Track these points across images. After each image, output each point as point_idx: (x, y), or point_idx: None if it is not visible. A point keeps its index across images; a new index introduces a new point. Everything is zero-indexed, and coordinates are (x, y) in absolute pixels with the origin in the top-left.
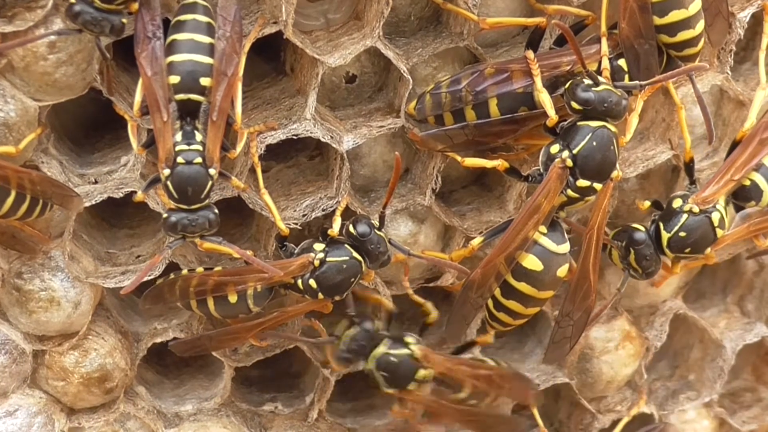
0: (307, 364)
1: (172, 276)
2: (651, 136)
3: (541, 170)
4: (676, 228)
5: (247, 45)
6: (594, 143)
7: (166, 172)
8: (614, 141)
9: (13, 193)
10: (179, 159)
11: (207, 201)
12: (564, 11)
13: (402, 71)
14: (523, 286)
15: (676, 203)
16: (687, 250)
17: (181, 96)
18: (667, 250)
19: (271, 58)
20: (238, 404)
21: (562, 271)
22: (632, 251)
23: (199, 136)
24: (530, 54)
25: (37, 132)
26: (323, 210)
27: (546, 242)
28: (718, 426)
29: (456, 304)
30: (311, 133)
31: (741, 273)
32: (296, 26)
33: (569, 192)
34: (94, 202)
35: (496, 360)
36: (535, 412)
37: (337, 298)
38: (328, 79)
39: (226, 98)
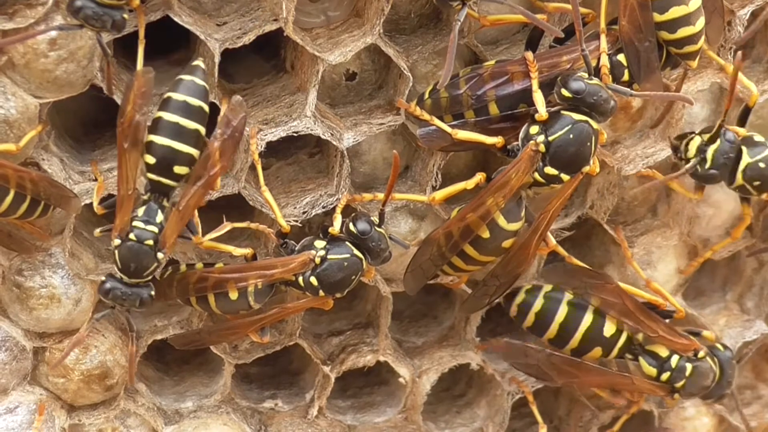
0: (306, 361)
1: (170, 271)
2: (651, 133)
3: (519, 146)
4: (760, 157)
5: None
6: (571, 136)
7: (117, 242)
8: (593, 138)
9: (12, 193)
10: (131, 236)
11: (147, 279)
12: (564, 9)
13: (402, 69)
14: (466, 247)
15: (759, 137)
16: (757, 183)
17: (153, 176)
18: (739, 174)
19: (272, 56)
20: (238, 401)
21: (507, 243)
22: (719, 142)
23: (160, 217)
24: (529, 55)
25: (37, 129)
26: (323, 207)
27: (497, 217)
28: (717, 423)
29: (416, 255)
30: (311, 130)
31: (740, 270)
32: (296, 24)
33: (536, 175)
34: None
35: None
36: (535, 409)
37: (338, 295)
38: (329, 76)
39: (198, 197)
